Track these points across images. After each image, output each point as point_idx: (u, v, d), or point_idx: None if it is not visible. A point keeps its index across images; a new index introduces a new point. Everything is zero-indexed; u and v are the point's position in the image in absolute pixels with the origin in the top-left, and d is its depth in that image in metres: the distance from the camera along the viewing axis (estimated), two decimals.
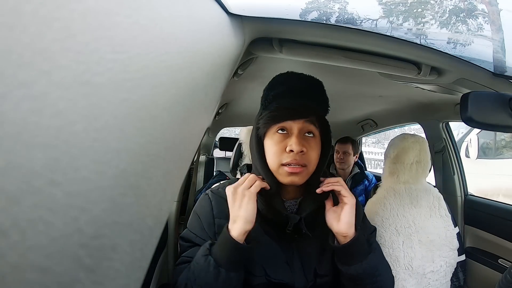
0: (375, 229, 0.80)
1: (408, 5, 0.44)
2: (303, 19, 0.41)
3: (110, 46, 0.15)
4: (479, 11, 0.45)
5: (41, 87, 0.12)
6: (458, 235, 1.23)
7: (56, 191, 0.12)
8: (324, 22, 0.42)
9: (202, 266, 0.59)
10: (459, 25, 0.45)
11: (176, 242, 1.10)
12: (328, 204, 0.66)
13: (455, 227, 1.22)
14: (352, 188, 1.83)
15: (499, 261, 1.17)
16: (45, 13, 0.12)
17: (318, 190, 0.64)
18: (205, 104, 0.28)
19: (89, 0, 0.14)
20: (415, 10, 0.44)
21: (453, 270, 1.20)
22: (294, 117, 0.62)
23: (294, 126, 0.62)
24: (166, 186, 0.20)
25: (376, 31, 0.44)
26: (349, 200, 0.64)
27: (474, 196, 1.43)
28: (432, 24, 0.44)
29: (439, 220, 1.18)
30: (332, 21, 0.42)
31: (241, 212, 0.58)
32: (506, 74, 0.56)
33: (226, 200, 0.62)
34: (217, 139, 3.11)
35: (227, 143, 2.73)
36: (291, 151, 0.60)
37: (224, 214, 0.65)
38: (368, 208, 1.14)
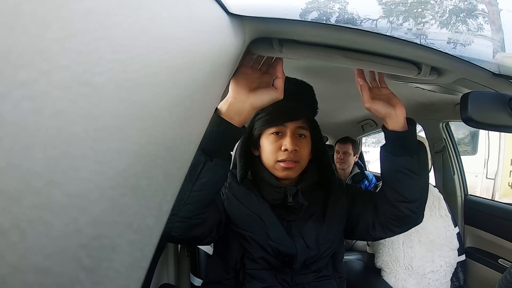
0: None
1: (408, 5, 0.44)
2: (303, 19, 0.41)
3: (110, 46, 0.15)
4: (479, 11, 0.45)
5: (41, 87, 0.12)
6: (458, 235, 1.23)
7: (56, 192, 0.12)
8: (324, 22, 0.42)
9: None
10: (459, 25, 0.45)
11: None
12: (365, 92, 0.65)
13: (455, 227, 1.22)
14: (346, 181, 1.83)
15: (499, 261, 1.17)
16: (45, 13, 0.12)
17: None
18: (205, 104, 0.28)
19: (89, 0, 0.14)
20: (415, 10, 0.44)
21: (453, 270, 1.20)
22: (288, 120, 0.70)
23: (288, 128, 0.71)
24: (166, 186, 0.20)
25: (376, 31, 0.44)
26: (388, 90, 0.67)
27: (474, 196, 1.43)
28: (432, 24, 0.44)
29: (439, 220, 1.18)
30: (332, 21, 0.42)
31: None
32: (506, 74, 0.56)
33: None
34: None
35: None
36: (286, 150, 0.68)
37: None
38: None
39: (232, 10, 0.35)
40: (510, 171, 3.61)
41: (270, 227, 0.70)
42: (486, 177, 4.13)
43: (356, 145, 1.99)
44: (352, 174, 1.93)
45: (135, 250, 0.17)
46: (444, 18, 0.44)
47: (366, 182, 1.91)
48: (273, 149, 0.70)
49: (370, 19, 0.42)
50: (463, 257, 1.25)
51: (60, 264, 0.12)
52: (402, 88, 0.95)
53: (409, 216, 0.70)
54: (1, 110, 0.11)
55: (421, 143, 0.69)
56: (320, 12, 0.41)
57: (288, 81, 0.71)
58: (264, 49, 0.49)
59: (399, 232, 0.75)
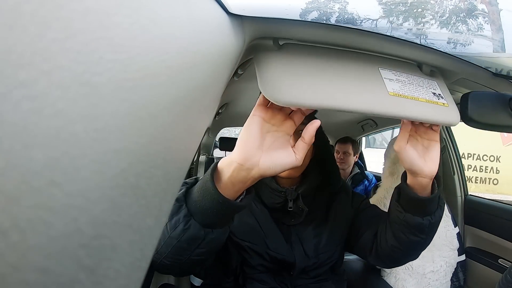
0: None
1: (408, 5, 0.44)
2: (303, 19, 0.41)
3: (110, 46, 0.15)
4: (479, 11, 0.45)
5: (41, 87, 0.12)
6: (458, 235, 1.23)
7: (56, 191, 0.12)
8: (324, 22, 0.42)
9: (172, 213, 0.46)
10: (459, 25, 0.45)
11: None
12: (404, 132, 0.52)
13: (455, 227, 1.22)
14: (352, 189, 1.83)
15: (499, 261, 1.17)
16: (45, 13, 0.12)
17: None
18: (205, 104, 0.28)
19: (89, 0, 0.14)
20: (415, 10, 0.44)
21: (453, 270, 1.20)
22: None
23: None
24: (166, 186, 0.20)
25: (376, 31, 0.44)
26: (436, 137, 0.53)
27: (474, 196, 1.43)
28: (432, 24, 0.44)
29: None
30: (332, 21, 0.42)
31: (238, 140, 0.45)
32: (506, 74, 0.56)
33: None
34: (217, 139, 3.11)
35: (227, 143, 2.73)
36: None
37: None
38: None
39: (232, 10, 0.35)
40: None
41: (269, 235, 0.68)
42: None
43: (356, 145, 1.99)
44: (352, 174, 1.94)
45: (135, 250, 0.17)
46: (444, 18, 0.44)
47: (366, 182, 1.91)
48: None
49: (370, 19, 0.42)
50: (463, 257, 1.25)
51: (60, 264, 0.12)
52: None
53: (403, 259, 0.67)
54: (1, 110, 0.11)
55: (441, 201, 0.58)
56: (320, 12, 0.41)
57: None
58: (264, 49, 0.49)
59: (395, 266, 0.72)
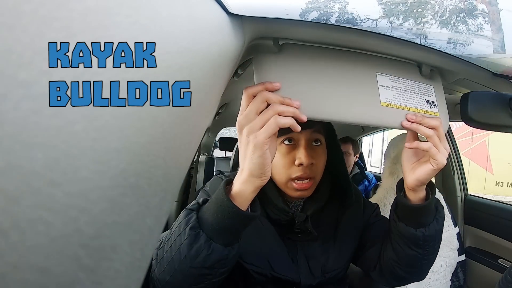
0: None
1: (408, 5, 0.44)
2: (303, 19, 0.41)
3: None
4: (479, 11, 0.45)
5: (41, 87, 0.12)
6: (458, 235, 1.23)
7: (56, 191, 0.12)
8: (324, 22, 0.42)
9: (179, 230, 0.46)
10: (459, 25, 0.45)
11: None
12: (412, 134, 0.54)
13: (455, 227, 1.22)
14: (363, 196, 1.83)
15: (499, 261, 1.17)
16: (45, 13, 0.12)
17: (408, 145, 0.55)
18: (205, 104, 0.28)
19: (89, 0, 0.14)
20: (415, 10, 0.44)
21: (453, 270, 1.20)
22: (302, 128, 0.55)
23: (302, 136, 0.59)
24: (166, 186, 0.20)
25: (376, 31, 0.44)
26: (440, 158, 0.54)
27: (474, 196, 1.43)
28: (432, 24, 0.44)
29: None
30: (332, 21, 0.42)
31: (246, 163, 0.45)
32: (506, 74, 0.56)
33: None
34: (217, 139, 3.11)
35: (227, 143, 2.73)
36: (301, 164, 0.57)
37: None
38: None
39: (232, 10, 0.35)
40: None
41: (273, 254, 0.64)
42: (371, 165, 4.84)
43: (356, 145, 1.99)
44: (352, 174, 1.94)
45: (135, 250, 0.17)
46: (444, 18, 0.44)
47: (366, 182, 1.91)
48: (285, 163, 0.59)
49: (370, 19, 0.42)
50: (463, 257, 1.25)
51: (60, 263, 0.12)
52: None
53: (405, 277, 0.64)
54: (1, 110, 0.11)
55: (438, 214, 0.58)
56: (320, 12, 0.41)
57: None
58: (264, 49, 0.49)
59: (398, 285, 0.68)
